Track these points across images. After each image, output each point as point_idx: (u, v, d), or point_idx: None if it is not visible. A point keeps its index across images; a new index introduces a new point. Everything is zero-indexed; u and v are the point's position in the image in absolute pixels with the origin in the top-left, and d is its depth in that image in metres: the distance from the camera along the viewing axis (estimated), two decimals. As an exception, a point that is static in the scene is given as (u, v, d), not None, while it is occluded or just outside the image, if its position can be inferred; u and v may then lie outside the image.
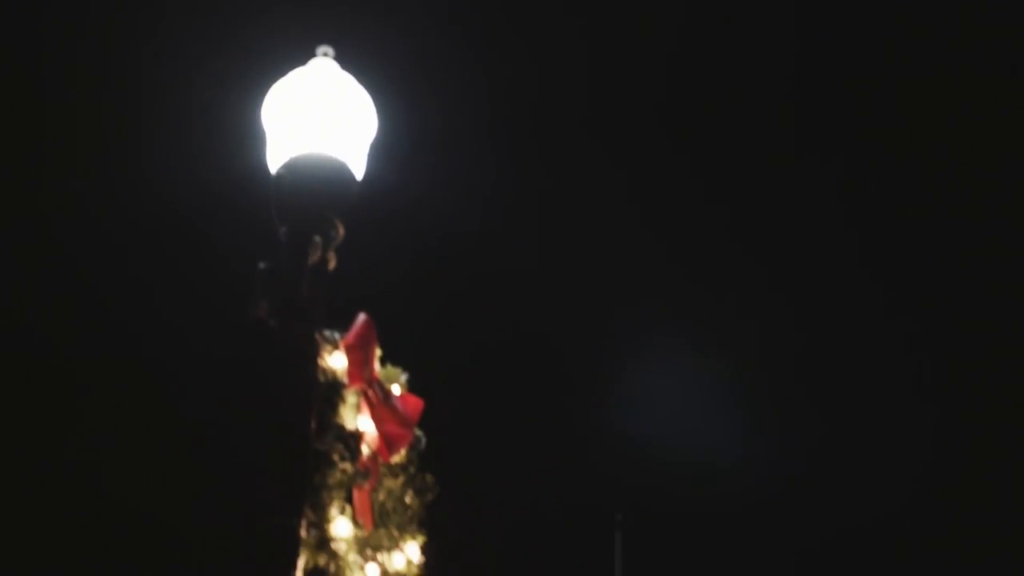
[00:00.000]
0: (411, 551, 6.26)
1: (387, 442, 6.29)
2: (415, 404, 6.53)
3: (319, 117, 6.39)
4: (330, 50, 6.72)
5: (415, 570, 6.25)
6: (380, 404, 6.25)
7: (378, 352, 6.40)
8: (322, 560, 5.69)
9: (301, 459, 5.58)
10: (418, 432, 6.54)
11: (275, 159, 6.41)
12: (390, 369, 6.52)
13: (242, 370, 5.81)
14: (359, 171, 6.48)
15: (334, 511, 5.77)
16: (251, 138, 6.70)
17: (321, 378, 5.91)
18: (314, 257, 6.00)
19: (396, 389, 6.48)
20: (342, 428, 5.92)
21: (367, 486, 6.14)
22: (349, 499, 5.97)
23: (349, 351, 6.10)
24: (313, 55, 6.72)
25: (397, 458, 6.41)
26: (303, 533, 5.52)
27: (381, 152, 6.76)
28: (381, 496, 6.30)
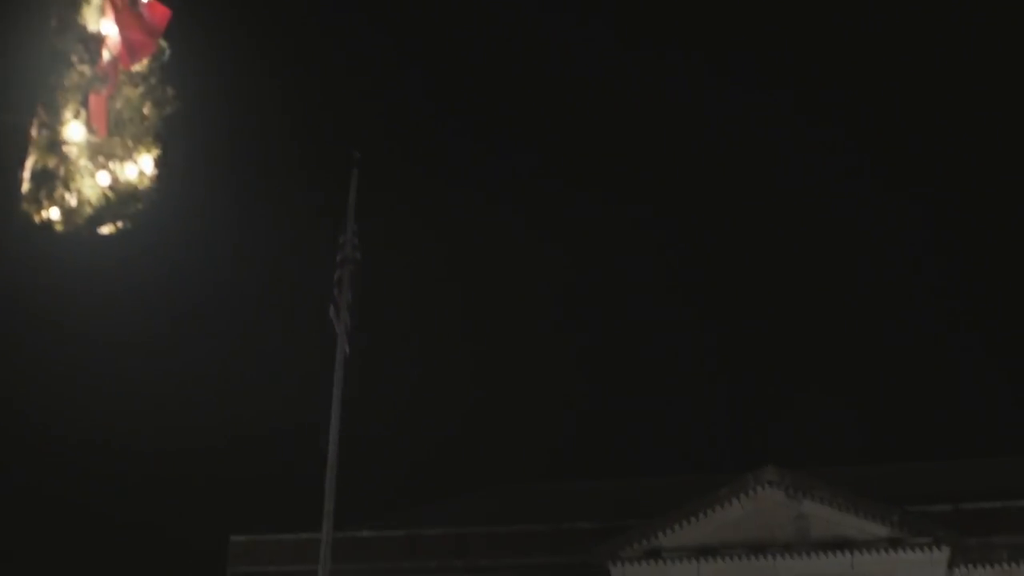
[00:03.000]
0: (144, 163, 6.17)
1: (129, 49, 6.09)
2: (162, 13, 6.30)
3: None
4: None
5: (146, 182, 6.17)
6: (125, 9, 6.02)
7: (128, -46, 6.11)
8: (51, 162, 5.58)
9: (37, 56, 5.37)
10: (163, 43, 6.34)
11: None
12: (139, -27, 6.25)
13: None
14: None
15: (68, 114, 5.62)
16: None
17: (65, -25, 5.63)
18: None
19: (144, -5, 6.24)
20: (83, 29, 5.70)
21: (104, 92, 5.96)
22: (85, 103, 5.81)
23: (97, -51, 5.81)
24: None
25: (138, 67, 6.22)
26: (33, 132, 5.37)
27: None
28: (118, 104, 6.13)
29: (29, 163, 5.35)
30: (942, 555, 31.65)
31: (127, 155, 6.10)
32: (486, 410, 78.47)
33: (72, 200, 5.78)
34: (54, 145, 5.55)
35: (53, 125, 5.54)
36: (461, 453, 72.99)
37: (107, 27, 5.95)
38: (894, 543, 31.68)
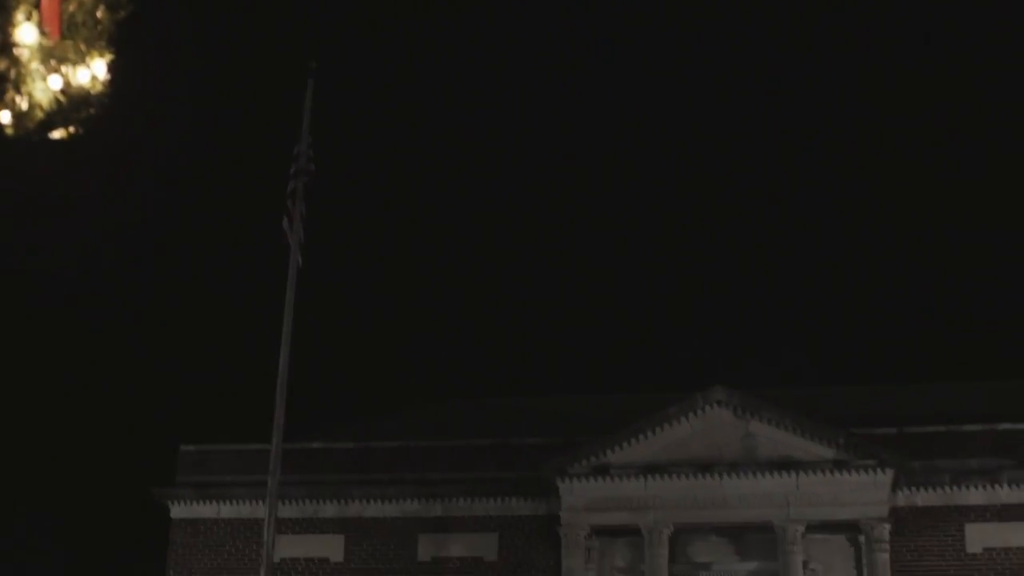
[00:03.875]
0: (98, 68, 6.07)
1: (83, -50, 5.97)
2: (117, -86, 6.17)
3: None
4: None
5: (99, 87, 6.08)
6: (79, -91, 5.88)
7: None
8: (2, 65, 5.49)
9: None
10: (117, -55, 6.22)
11: None
12: None
13: None
14: None
15: (20, 16, 5.51)
16: None
17: None
18: None
19: None
20: (35, -71, 5.57)
21: (57, -6, 5.85)
22: (37, 5, 5.69)
23: None
24: None
25: (92, -31, 6.10)
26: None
27: None
28: (71, 7, 6.01)
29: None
30: (886, 477, 32.14)
31: (80, 59, 5.99)
32: (438, 325, 78.67)
33: (23, 104, 5.69)
34: (5, 47, 5.45)
35: (4, 27, 5.44)
36: (412, 368, 73.28)
37: (60, -73, 5.82)
38: (839, 465, 32.13)
